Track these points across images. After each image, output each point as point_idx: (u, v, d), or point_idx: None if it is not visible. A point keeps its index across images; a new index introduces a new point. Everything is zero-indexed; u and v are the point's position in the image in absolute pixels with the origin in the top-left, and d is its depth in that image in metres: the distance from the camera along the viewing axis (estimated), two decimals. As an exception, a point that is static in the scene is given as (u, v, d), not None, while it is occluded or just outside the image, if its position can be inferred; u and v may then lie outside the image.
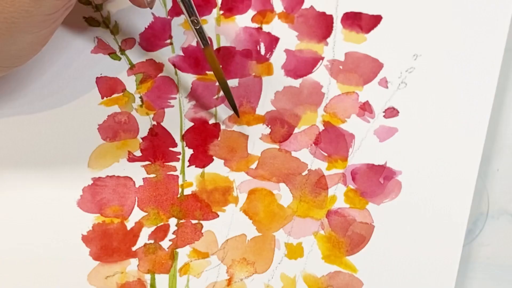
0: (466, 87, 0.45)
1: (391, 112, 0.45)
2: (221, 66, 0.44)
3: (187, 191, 0.42)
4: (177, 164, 0.43)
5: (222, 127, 0.44)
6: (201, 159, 0.43)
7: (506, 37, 0.47)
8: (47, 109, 0.44)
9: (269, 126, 0.44)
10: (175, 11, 0.47)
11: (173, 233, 0.41)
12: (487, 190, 0.44)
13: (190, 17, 0.40)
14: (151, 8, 0.42)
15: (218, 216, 0.42)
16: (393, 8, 0.47)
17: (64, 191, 0.42)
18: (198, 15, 0.40)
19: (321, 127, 0.44)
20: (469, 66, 0.46)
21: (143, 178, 0.43)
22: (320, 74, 0.46)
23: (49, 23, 0.39)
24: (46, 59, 0.45)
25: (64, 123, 0.44)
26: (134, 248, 0.41)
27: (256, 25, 0.47)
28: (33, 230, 0.41)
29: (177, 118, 0.44)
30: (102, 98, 0.45)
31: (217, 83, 0.44)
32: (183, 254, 0.41)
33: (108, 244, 0.41)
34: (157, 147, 0.43)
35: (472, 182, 0.42)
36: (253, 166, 0.43)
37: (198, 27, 0.40)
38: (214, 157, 0.43)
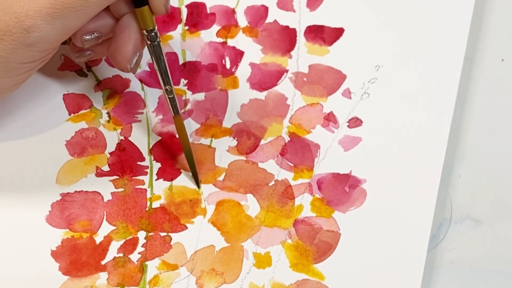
0: (427, 96, 0.46)
1: (354, 122, 0.46)
2: (186, 87, 0.45)
3: (156, 204, 0.43)
4: (145, 178, 0.43)
5: (190, 140, 0.45)
6: (169, 172, 0.44)
7: (465, 46, 0.48)
8: (15, 126, 0.44)
9: (236, 138, 0.45)
10: (140, 27, 0.48)
11: (142, 246, 0.41)
12: (450, 196, 0.45)
13: (165, 86, 0.41)
14: (134, 73, 0.44)
15: (186, 228, 0.42)
16: (355, 21, 0.49)
17: (33, 207, 0.42)
18: (172, 85, 0.41)
19: (287, 138, 0.45)
20: (430, 76, 0.47)
21: (111, 193, 0.43)
22: (284, 87, 0.47)
23: (23, 71, 0.40)
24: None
25: (32, 139, 0.44)
26: (103, 262, 0.41)
27: (221, 40, 0.48)
28: (1, 246, 0.41)
29: (144, 133, 0.45)
30: (70, 114, 0.45)
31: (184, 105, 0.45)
32: (153, 266, 0.41)
33: (78, 258, 0.41)
34: (125, 161, 0.44)
35: (435, 189, 0.43)
36: (221, 178, 0.44)
37: (171, 96, 0.41)
38: (181, 170, 0.44)
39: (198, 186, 0.43)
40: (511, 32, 0.51)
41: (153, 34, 0.40)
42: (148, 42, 0.40)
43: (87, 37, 0.40)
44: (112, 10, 0.40)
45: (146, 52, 0.47)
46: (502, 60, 0.50)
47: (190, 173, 0.43)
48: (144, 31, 0.40)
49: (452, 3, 0.49)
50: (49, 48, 0.39)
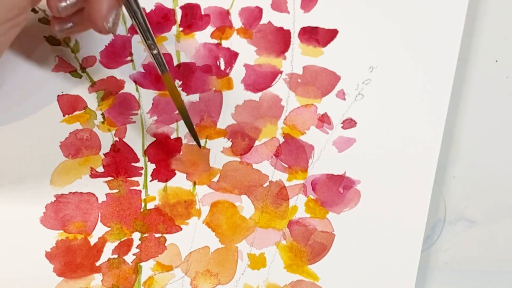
0: (421, 96, 0.46)
1: (349, 123, 0.46)
2: (181, 88, 0.44)
3: (150, 205, 0.43)
4: (140, 179, 0.43)
5: (184, 141, 0.45)
6: (163, 173, 0.44)
7: (458, 47, 0.48)
8: (9, 127, 0.44)
9: (230, 139, 0.45)
10: (135, 29, 0.48)
11: (136, 247, 0.41)
12: (444, 196, 0.45)
13: (146, 41, 0.40)
14: (113, 33, 0.42)
15: (181, 229, 0.42)
16: (349, 22, 0.49)
17: (27, 209, 0.42)
18: (155, 40, 0.40)
19: (281, 139, 0.45)
20: (424, 77, 0.47)
21: (106, 194, 0.43)
22: (279, 88, 0.47)
23: None
24: (7, 78, 0.45)
25: (26, 141, 0.44)
26: (98, 263, 0.41)
27: (215, 41, 0.48)
28: (-4, 248, 0.41)
29: (139, 134, 0.45)
30: (64, 115, 0.45)
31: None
32: (147, 267, 0.41)
33: (72, 260, 0.41)
34: (119, 162, 0.44)
35: (429, 189, 0.44)
36: (215, 179, 0.44)
37: (155, 52, 0.40)
38: (176, 171, 0.44)
39: (199, 145, 0.43)
40: (505, 32, 0.51)
41: None
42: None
43: (63, 4, 0.39)
44: None
45: (140, 52, 0.47)
46: (496, 61, 0.50)
47: (185, 175, 0.43)
48: None
49: (446, 4, 0.49)
50: (15, 6, 0.38)
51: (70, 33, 0.42)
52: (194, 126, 0.43)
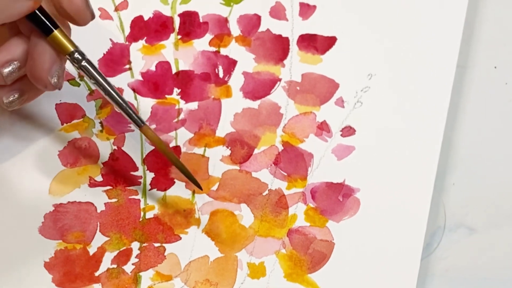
0: (420, 104, 0.46)
1: (348, 131, 0.46)
2: (179, 96, 0.44)
3: (149, 215, 0.43)
4: (139, 188, 0.43)
5: (183, 149, 0.45)
6: (162, 182, 0.44)
7: (457, 54, 0.48)
8: (7, 136, 0.44)
9: (229, 147, 0.45)
10: (133, 37, 0.48)
11: (136, 257, 0.41)
12: (444, 204, 0.45)
13: (113, 102, 0.38)
14: (59, 89, 0.38)
15: (180, 238, 0.42)
16: (347, 30, 0.49)
17: (26, 218, 0.42)
18: (123, 98, 0.38)
19: (280, 147, 0.45)
20: (422, 84, 0.47)
21: (104, 203, 0.43)
22: (278, 95, 0.47)
23: None
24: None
25: (25, 150, 0.44)
26: (97, 273, 0.41)
27: (213, 49, 0.48)
28: (-6, 258, 0.41)
29: (137, 142, 0.45)
30: (62, 124, 0.45)
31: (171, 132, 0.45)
32: (146, 277, 0.41)
33: (71, 270, 0.41)
34: (118, 171, 0.44)
35: (428, 197, 0.43)
36: (214, 187, 0.44)
37: (125, 109, 0.38)
38: (175, 180, 0.44)
39: (200, 188, 0.41)
40: (504, 39, 0.51)
41: (76, 55, 0.37)
42: (75, 65, 0.37)
43: (6, 70, 0.37)
44: (21, 29, 0.37)
45: (138, 60, 0.47)
46: (495, 67, 0.50)
47: (184, 184, 0.43)
48: (67, 56, 0.37)
49: (444, 11, 0.49)
50: None
51: (20, 104, 0.39)
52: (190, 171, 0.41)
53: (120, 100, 0.38)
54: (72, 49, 0.37)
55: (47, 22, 0.36)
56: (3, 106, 0.39)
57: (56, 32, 0.36)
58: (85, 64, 0.37)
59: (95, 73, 0.38)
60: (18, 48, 0.37)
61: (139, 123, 0.39)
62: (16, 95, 0.39)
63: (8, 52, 0.37)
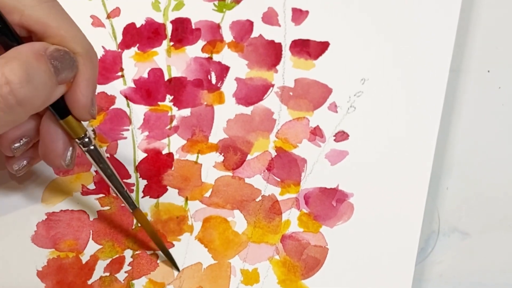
0: (413, 108, 0.46)
1: (341, 136, 0.45)
2: (172, 103, 0.44)
3: (142, 222, 0.42)
4: (132, 196, 0.43)
5: (176, 156, 0.45)
6: (155, 189, 0.44)
7: (450, 58, 0.48)
8: None
9: (222, 154, 0.45)
10: (125, 44, 0.48)
11: (128, 265, 0.41)
12: (438, 208, 0.45)
13: (114, 188, 0.39)
14: (71, 168, 0.39)
15: (173, 245, 0.42)
16: (340, 35, 0.49)
17: (18, 227, 0.42)
18: (122, 184, 0.39)
19: (274, 153, 0.45)
20: (416, 88, 0.47)
21: (97, 211, 0.43)
22: (271, 101, 0.47)
23: None
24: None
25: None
26: (90, 282, 0.41)
27: (206, 55, 0.48)
28: (-13, 268, 0.41)
29: (130, 150, 0.45)
30: (55, 132, 0.45)
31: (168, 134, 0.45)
32: (139, 285, 0.41)
33: (64, 278, 0.41)
34: (110, 179, 0.43)
35: (422, 202, 0.43)
36: (207, 194, 0.44)
37: (123, 194, 0.39)
38: (168, 187, 0.44)
39: (178, 269, 0.41)
40: (497, 43, 0.51)
41: (85, 140, 0.38)
42: (83, 149, 0.38)
43: (16, 145, 0.38)
44: None
45: (130, 67, 0.47)
46: (488, 71, 0.50)
47: (177, 190, 0.43)
48: (76, 140, 0.38)
49: (437, 14, 0.49)
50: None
51: (29, 168, 0.41)
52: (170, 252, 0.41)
53: (120, 185, 0.39)
54: (82, 133, 0.38)
55: (63, 107, 0.37)
56: (12, 172, 0.40)
57: (70, 117, 0.37)
58: (93, 148, 0.38)
59: (101, 158, 0.39)
60: (28, 125, 0.38)
61: (133, 207, 0.40)
62: (24, 163, 0.40)
63: (19, 129, 0.38)
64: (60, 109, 0.37)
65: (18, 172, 0.41)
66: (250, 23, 0.49)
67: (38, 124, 0.38)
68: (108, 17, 0.49)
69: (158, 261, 0.41)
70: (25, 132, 0.38)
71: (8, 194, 0.43)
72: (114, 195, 0.43)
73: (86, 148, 0.38)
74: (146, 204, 0.43)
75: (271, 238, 0.42)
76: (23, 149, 0.39)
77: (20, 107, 0.34)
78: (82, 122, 0.38)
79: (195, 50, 0.48)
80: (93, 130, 0.45)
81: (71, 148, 0.39)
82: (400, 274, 0.41)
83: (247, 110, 0.46)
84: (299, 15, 0.49)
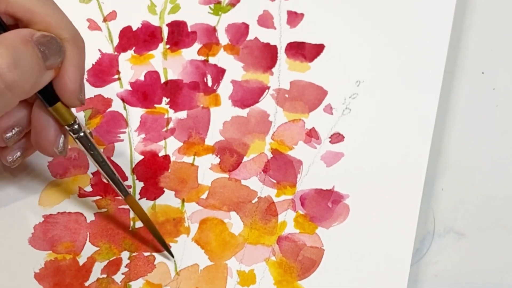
0: (408, 110, 0.47)
1: (336, 138, 0.46)
2: (168, 106, 0.44)
3: (139, 224, 0.43)
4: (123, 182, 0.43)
5: (172, 158, 0.45)
6: (152, 191, 0.44)
7: (445, 60, 0.48)
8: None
9: (219, 155, 0.45)
10: (121, 47, 0.48)
11: (125, 267, 0.41)
12: (433, 209, 0.45)
13: (105, 175, 0.39)
14: (64, 156, 0.40)
15: (170, 247, 0.42)
16: (335, 37, 0.49)
17: (15, 230, 0.42)
18: (114, 171, 0.39)
19: (270, 155, 0.45)
20: (410, 90, 0.47)
21: (94, 213, 0.43)
22: (266, 103, 0.47)
23: None
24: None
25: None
26: (87, 284, 0.41)
27: (202, 58, 0.48)
28: (-16, 270, 0.41)
29: (127, 152, 0.45)
30: (51, 135, 0.45)
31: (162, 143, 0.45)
32: (136, 287, 0.41)
33: (61, 280, 0.41)
34: (107, 181, 0.44)
35: (418, 202, 0.44)
36: (204, 196, 0.44)
37: (115, 181, 0.40)
38: (164, 189, 0.44)
39: (172, 255, 0.42)
40: (491, 45, 0.51)
41: (75, 127, 0.38)
42: (73, 136, 0.38)
43: (8, 135, 0.38)
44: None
45: (127, 70, 0.48)
46: (482, 73, 0.50)
47: (173, 192, 0.44)
48: (66, 127, 0.38)
49: (431, 17, 0.50)
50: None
51: (22, 159, 0.41)
52: (165, 240, 0.42)
53: (111, 172, 0.40)
54: (71, 120, 0.38)
55: (52, 94, 0.37)
56: (6, 164, 0.40)
57: (59, 103, 0.38)
58: (83, 135, 0.39)
59: (91, 145, 0.39)
60: (20, 114, 0.38)
61: (125, 193, 0.40)
62: (18, 154, 0.40)
63: (10, 118, 0.38)
64: (49, 95, 0.37)
65: (12, 164, 0.40)
66: (246, 26, 0.49)
67: (29, 112, 0.38)
68: (105, 20, 0.49)
69: (155, 263, 0.41)
70: (17, 121, 0.38)
71: (5, 197, 0.43)
72: (111, 196, 0.43)
73: (76, 135, 0.38)
74: (143, 206, 0.43)
75: (267, 239, 0.43)
76: (15, 139, 0.39)
77: (9, 91, 0.34)
78: (71, 108, 0.38)
79: (191, 53, 0.48)
80: (90, 133, 0.45)
81: (63, 135, 0.39)
82: (395, 275, 0.42)
83: (243, 112, 0.47)
84: (294, 18, 0.50)
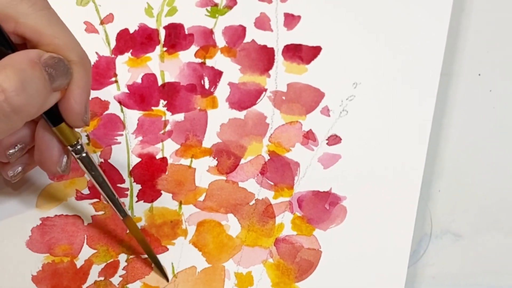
0: (405, 112, 0.47)
1: (334, 140, 0.46)
2: (166, 108, 0.45)
3: (136, 227, 0.43)
4: (126, 200, 0.43)
5: (170, 161, 0.45)
6: (149, 194, 0.44)
7: (441, 62, 0.48)
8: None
9: (216, 158, 0.45)
10: (118, 50, 0.48)
11: (123, 269, 0.41)
12: (430, 211, 0.46)
13: (106, 196, 0.39)
14: (67, 174, 0.40)
15: (167, 249, 0.42)
16: (332, 39, 0.49)
17: (13, 233, 0.42)
18: (114, 192, 0.39)
19: (267, 157, 0.45)
20: (407, 92, 0.47)
21: (91, 216, 0.43)
22: (264, 105, 0.47)
23: None
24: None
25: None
26: (84, 286, 0.41)
27: (199, 60, 0.48)
28: (-19, 273, 0.41)
29: (124, 155, 0.45)
30: (49, 138, 0.45)
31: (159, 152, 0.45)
32: (134, 289, 0.41)
33: (59, 283, 0.41)
34: (105, 184, 0.44)
35: (415, 204, 0.44)
36: (201, 198, 0.44)
37: (114, 201, 0.39)
38: (162, 191, 0.44)
39: (167, 280, 0.41)
40: (487, 46, 0.51)
41: (78, 147, 0.38)
42: (75, 156, 0.38)
43: (11, 151, 0.38)
44: None
45: (124, 72, 0.48)
46: (479, 74, 0.50)
47: (171, 195, 0.44)
48: (68, 147, 0.38)
49: (428, 19, 0.50)
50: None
51: (24, 174, 0.41)
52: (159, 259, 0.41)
53: (111, 193, 0.40)
54: (75, 141, 0.38)
55: (56, 114, 0.37)
56: (7, 178, 0.40)
57: (63, 124, 0.38)
58: (85, 155, 0.39)
59: (93, 165, 0.39)
60: (23, 132, 0.38)
61: (124, 214, 0.40)
62: (19, 169, 0.40)
63: (14, 135, 0.38)
64: (53, 116, 0.37)
65: (13, 179, 0.41)
66: (243, 28, 0.49)
67: (33, 130, 0.39)
68: (102, 23, 0.49)
69: (153, 265, 0.41)
70: (20, 138, 0.39)
71: (3, 199, 0.43)
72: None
73: (78, 155, 0.38)
74: (140, 209, 0.43)
75: (264, 241, 0.43)
76: (18, 155, 0.39)
77: (15, 115, 0.34)
78: (75, 129, 0.38)
79: (188, 55, 0.48)
80: (87, 136, 0.45)
81: (66, 155, 0.39)
82: (392, 276, 0.42)
83: (240, 114, 0.47)
84: (291, 20, 0.50)
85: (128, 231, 0.42)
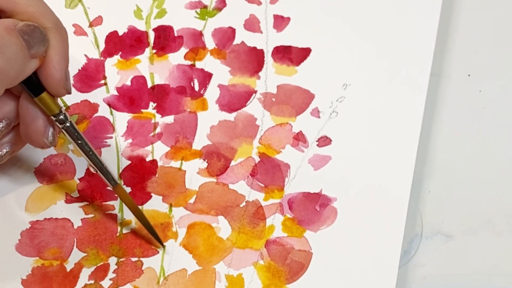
0: (395, 112, 0.47)
1: (324, 141, 0.46)
2: (155, 110, 0.44)
3: (126, 229, 0.42)
4: (116, 203, 0.43)
5: (160, 163, 0.45)
6: (139, 196, 0.44)
7: (431, 63, 0.48)
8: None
9: (206, 160, 0.45)
10: (107, 52, 0.48)
11: (113, 272, 0.41)
12: (420, 211, 0.46)
13: (93, 165, 0.40)
14: (54, 146, 0.40)
15: (158, 252, 0.42)
16: (321, 41, 0.49)
17: (2, 236, 0.42)
18: (101, 160, 0.40)
19: (257, 159, 0.45)
20: (397, 93, 0.47)
21: (81, 219, 0.43)
22: (253, 107, 0.47)
23: None
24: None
25: (0, 167, 0.44)
26: (74, 290, 0.41)
27: (189, 62, 0.48)
28: (-30, 277, 0.41)
29: (114, 157, 0.45)
30: (38, 141, 0.45)
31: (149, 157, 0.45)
32: (124, 292, 0.41)
33: (48, 286, 0.41)
34: (94, 187, 0.44)
35: (405, 205, 0.44)
36: (191, 200, 0.44)
37: (102, 170, 0.40)
38: (152, 194, 0.44)
39: (163, 245, 0.42)
40: (476, 47, 0.52)
41: (61, 117, 0.38)
42: (60, 126, 0.38)
43: None
44: (12, 90, 0.38)
45: (113, 75, 0.47)
46: (468, 75, 0.50)
47: (161, 197, 0.43)
48: (52, 117, 0.38)
49: (417, 20, 0.50)
50: None
51: (11, 155, 0.40)
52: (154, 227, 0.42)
53: (98, 162, 0.40)
54: (57, 110, 0.38)
55: (37, 84, 0.37)
56: None
57: (44, 93, 0.38)
58: (69, 125, 0.39)
59: (78, 134, 0.39)
60: (7, 107, 0.39)
61: (114, 183, 0.40)
62: (7, 148, 0.40)
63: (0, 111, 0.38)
64: (34, 86, 0.37)
65: (1, 159, 0.40)
66: (232, 30, 0.49)
67: (16, 105, 0.39)
68: (91, 25, 0.49)
69: (143, 268, 0.41)
70: (4, 114, 0.39)
71: (-8, 203, 0.43)
72: (98, 201, 0.43)
73: (62, 125, 0.39)
74: (130, 212, 0.43)
75: (255, 243, 0.43)
76: (4, 132, 0.39)
77: None
78: (57, 98, 0.38)
79: (177, 57, 0.48)
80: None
81: (52, 126, 0.39)
82: (383, 277, 0.42)
83: (230, 116, 0.47)
84: (280, 21, 0.50)
85: (118, 234, 0.42)
